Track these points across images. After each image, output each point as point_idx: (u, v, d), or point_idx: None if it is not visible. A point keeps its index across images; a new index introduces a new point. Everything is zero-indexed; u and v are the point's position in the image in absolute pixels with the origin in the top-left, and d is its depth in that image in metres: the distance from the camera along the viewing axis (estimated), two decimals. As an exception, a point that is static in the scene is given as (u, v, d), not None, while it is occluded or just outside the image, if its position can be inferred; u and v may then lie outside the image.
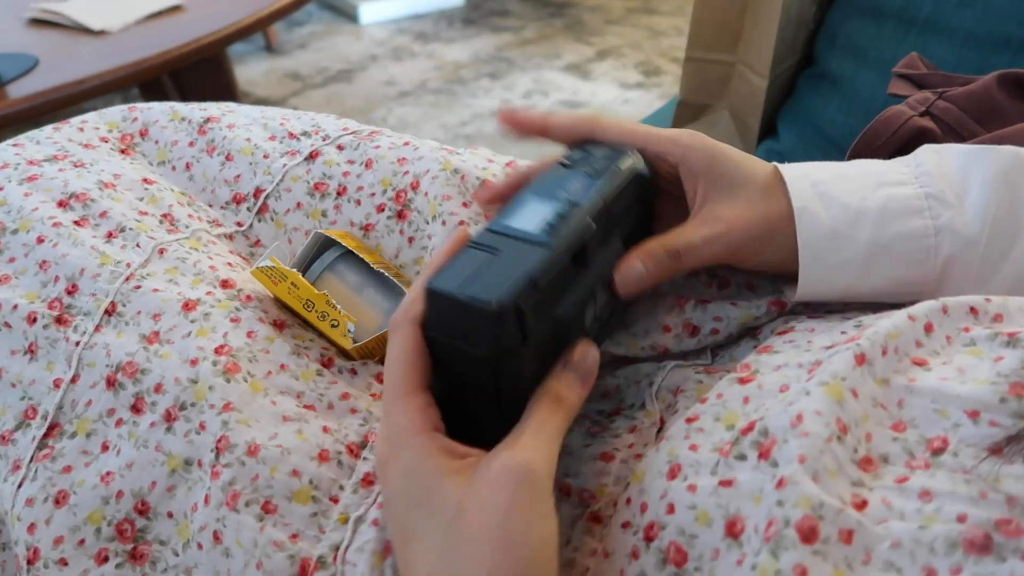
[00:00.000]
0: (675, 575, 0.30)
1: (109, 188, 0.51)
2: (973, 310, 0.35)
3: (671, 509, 0.31)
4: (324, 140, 0.56)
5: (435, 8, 3.13)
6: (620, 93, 2.47)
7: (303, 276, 0.46)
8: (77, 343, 0.43)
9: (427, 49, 2.78)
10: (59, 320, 0.44)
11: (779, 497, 0.28)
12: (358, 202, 0.52)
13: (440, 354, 0.33)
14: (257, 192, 0.54)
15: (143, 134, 0.58)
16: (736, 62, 0.92)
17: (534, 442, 0.30)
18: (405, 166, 0.52)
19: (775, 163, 0.42)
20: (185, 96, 1.63)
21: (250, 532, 0.36)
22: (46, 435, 0.42)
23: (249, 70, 2.61)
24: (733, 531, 0.29)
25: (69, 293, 0.45)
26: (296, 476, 0.37)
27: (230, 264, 0.49)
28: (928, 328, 0.34)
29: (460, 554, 0.29)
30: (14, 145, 0.56)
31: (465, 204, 0.49)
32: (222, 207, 0.55)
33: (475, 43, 2.84)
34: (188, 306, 0.43)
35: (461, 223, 0.48)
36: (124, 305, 0.44)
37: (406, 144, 0.54)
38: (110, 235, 0.48)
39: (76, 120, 0.59)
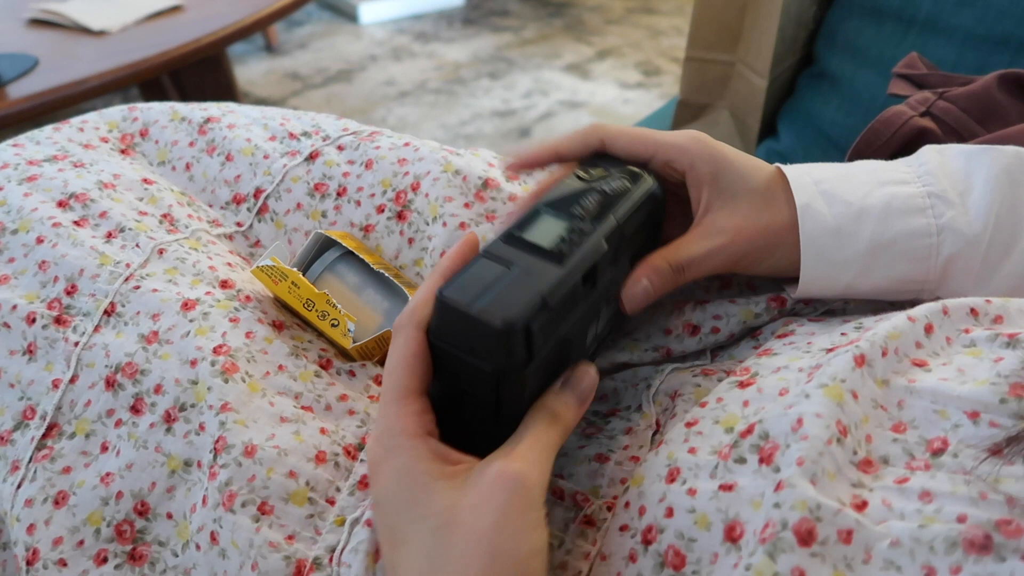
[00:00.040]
0: None
1: (109, 188, 0.51)
2: (973, 311, 0.35)
3: (670, 512, 0.31)
4: (324, 140, 0.56)
5: (435, 8, 3.13)
6: (620, 93, 2.47)
7: (303, 276, 0.46)
8: (76, 343, 0.43)
9: (427, 49, 2.78)
10: (58, 320, 0.44)
11: (776, 499, 0.28)
12: (358, 203, 0.52)
13: (443, 361, 0.33)
14: (257, 192, 0.54)
15: (143, 134, 0.58)
16: (736, 62, 0.92)
17: (529, 454, 0.31)
18: (405, 167, 0.52)
19: (778, 164, 0.42)
20: (185, 96, 1.63)
21: (246, 533, 0.36)
22: (45, 435, 0.42)
23: (249, 70, 2.61)
24: (732, 536, 0.29)
25: (68, 293, 0.45)
26: (293, 477, 0.37)
27: (230, 264, 0.49)
28: (928, 329, 0.34)
29: (449, 559, 0.29)
30: (14, 145, 0.55)
31: (467, 205, 0.49)
32: (222, 207, 0.55)
33: (475, 43, 2.84)
34: (187, 306, 0.43)
35: (462, 225, 0.48)
36: (123, 306, 0.44)
37: (406, 145, 0.54)
38: (110, 235, 0.48)
39: (76, 120, 0.59)
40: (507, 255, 0.33)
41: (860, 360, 0.32)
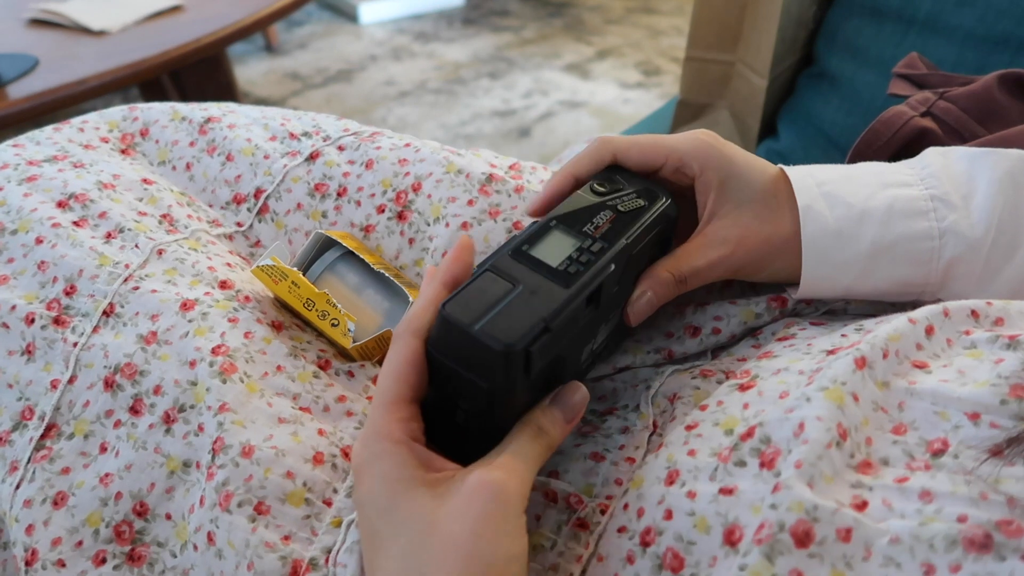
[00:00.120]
0: None
1: (108, 188, 0.51)
2: (974, 313, 0.35)
3: (669, 515, 0.31)
4: (325, 141, 0.56)
5: (435, 8, 3.13)
6: (620, 93, 2.47)
7: (303, 276, 0.46)
8: (75, 344, 0.43)
9: (427, 49, 2.78)
10: (57, 321, 0.44)
11: (773, 501, 0.28)
12: (358, 203, 0.52)
13: (438, 372, 0.33)
14: (257, 192, 0.54)
15: (143, 134, 0.58)
16: (736, 62, 0.92)
17: (510, 464, 0.31)
18: (406, 167, 0.52)
19: (781, 166, 0.42)
20: (185, 96, 1.63)
21: (242, 533, 0.36)
22: (44, 436, 0.42)
23: (249, 70, 2.61)
24: (731, 539, 0.29)
25: (67, 294, 0.45)
26: (290, 478, 0.37)
27: (229, 264, 0.49)
28: (929, 331, 0.34)
29: (426, 563, 0.29)
30: (14, 145, 0.55)
31: (471, 202, 0.49)
32: (222, 207, 0.55)
33: (475, 43, 2.84)
34: (186, 306, 0.43)
35: (464, 224, 0.48)
36: (122, 306, 0.44)
37: (407, 145, 0.54)
38: (109, 236, 0.48)
39: (76, 120, 0.59)
40: (513, 272, 0.33)
41: (861, 363, 0.32)
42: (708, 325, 0.43)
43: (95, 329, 0.44)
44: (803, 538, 0.27)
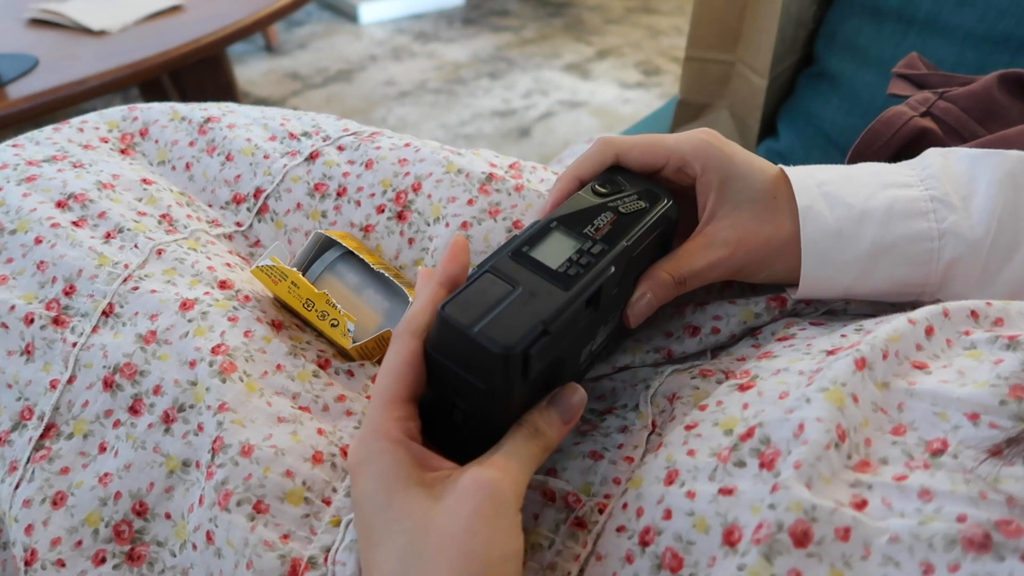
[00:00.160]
0: None
1: (108, 189, 0.51)
2: (974, 314, 0.35)
3: (668, 515, 0.31)
4: (325, 141, 0.56)
5: (435, 8, 3.13)
6: (620, 93, 2.47)
7: (303, 276, 0.46)
8: (74, 344, 0.43)
9: (427, 49, 2.78)
10: (56, 321, 0.44)
11: (771, 501, 0.28)
12: (358, 203, 0.52)
13: (437, 372, 0.33)
14: (257, 192, 0.54)
15: (143, 134, 0.58)
16: (736, 62, 0.92)
17: (504, 463, 0.31)
18: (406, 167, 0.52)
19: (782, 166, 0.42)
20: (185, 96, 1.63)
21: (241, 532, 0.36)
22: (43, 436, 0.42)
23: (249, 70, 2.61)
24: (731, 539, 0.29)
25: (67, 294, 0.45)
26: (289, 477, 0.37)
27: (229, 264, 0.49)
28: (929, 331, 0.34)
29: (421, 559, 0.29)
30: (13, 146, 0.55)
31: (471, 202, 0.49)
32: (222, 207, 0.55)
33: (475, 43, 2.84)
34: (185, 306, 0.43)
35: (464, 224, 0.48)
36: (122, 306, 0.44)
37: (407, 145, 0.54)
38: (108, 236, 0.48)
39: (76, 120, 0.59)
40: (513, 273, 0.33)
41: (861, 363, 0.32)
42: (707, 325, 0.43)
43: (94, 329, 0.44)
44: (802, 538, 0.27)
